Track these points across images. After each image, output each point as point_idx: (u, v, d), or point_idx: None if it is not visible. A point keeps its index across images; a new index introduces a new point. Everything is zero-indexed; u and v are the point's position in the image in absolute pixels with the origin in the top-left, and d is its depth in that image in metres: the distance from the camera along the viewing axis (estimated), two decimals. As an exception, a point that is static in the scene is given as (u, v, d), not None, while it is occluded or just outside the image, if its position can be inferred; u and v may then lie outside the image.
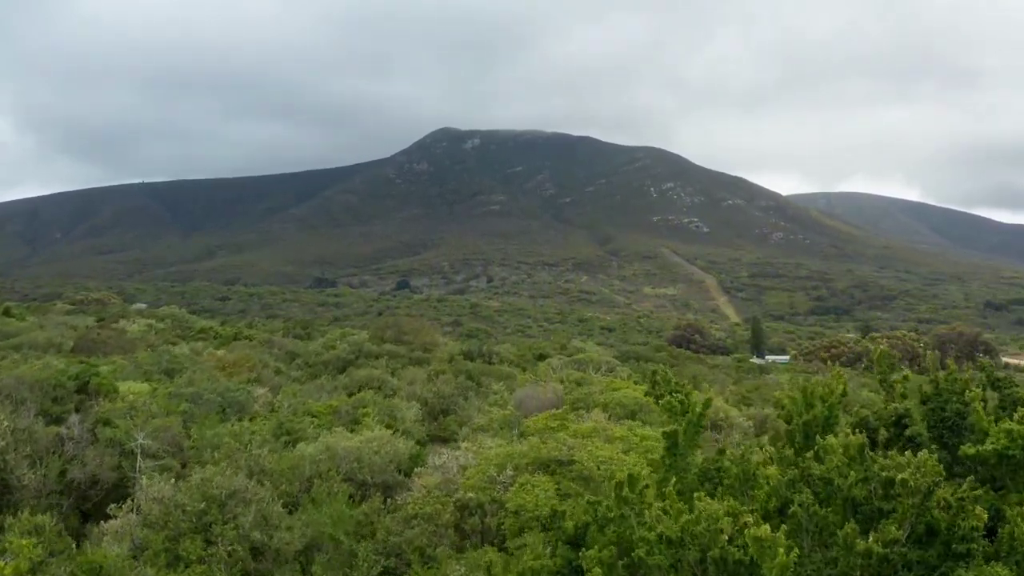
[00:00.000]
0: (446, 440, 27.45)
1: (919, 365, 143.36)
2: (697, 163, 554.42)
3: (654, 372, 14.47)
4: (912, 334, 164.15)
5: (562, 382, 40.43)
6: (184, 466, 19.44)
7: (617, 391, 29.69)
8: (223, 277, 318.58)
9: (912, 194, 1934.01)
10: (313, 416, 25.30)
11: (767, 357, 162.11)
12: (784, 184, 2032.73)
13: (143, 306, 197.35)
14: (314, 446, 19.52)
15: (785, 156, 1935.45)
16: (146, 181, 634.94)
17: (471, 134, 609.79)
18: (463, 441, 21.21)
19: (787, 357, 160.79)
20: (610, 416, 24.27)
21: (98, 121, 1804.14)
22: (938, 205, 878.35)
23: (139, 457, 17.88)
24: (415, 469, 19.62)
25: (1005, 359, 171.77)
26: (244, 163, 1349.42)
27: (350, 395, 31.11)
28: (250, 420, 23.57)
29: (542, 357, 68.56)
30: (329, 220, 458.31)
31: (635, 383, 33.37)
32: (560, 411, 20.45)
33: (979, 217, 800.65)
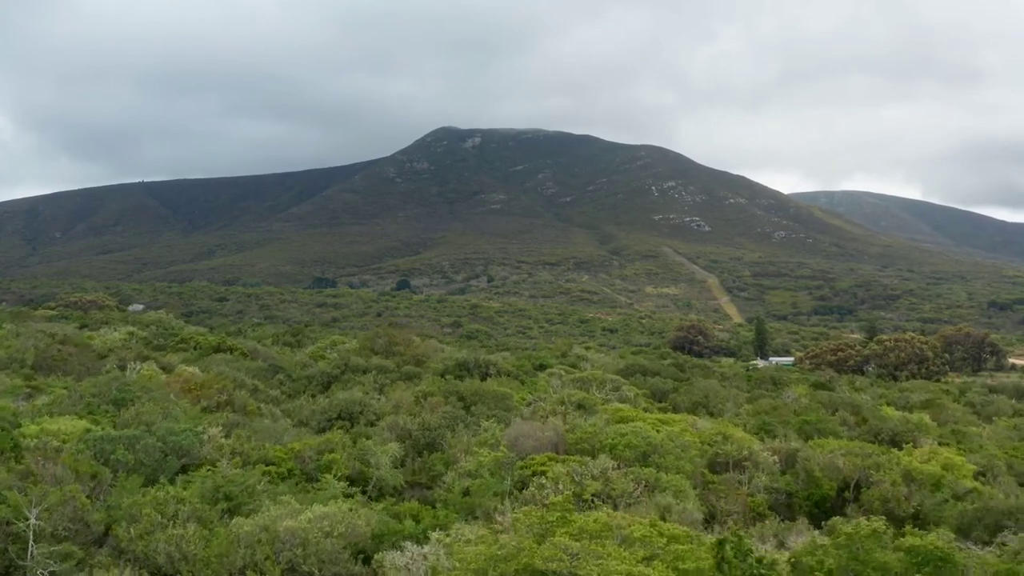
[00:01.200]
0: (428, 487, 23.99)
1: (926, 368, 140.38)
2: (698, 162, 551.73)
3: (721, 542, 10.79)
4: (919, 335, 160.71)
5: (563, 403, 37.11)
6: (102, 538, 15.98)
7: (624, 423, 26.26)
8: (222, 276, 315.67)
9: (913, 192, 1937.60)
10: (269, 464, 21.77)
11: (771, 359, 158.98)
12: (785, 182, 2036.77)
13: (140, 307, 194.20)
14: (252, 523, 15.84)
15: (786, 154, 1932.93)
16: (146, 180, 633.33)
17: (471, 133, 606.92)
18: (435, 529, 17.22)
19: (791, 359, 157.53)
20: (619, 463, 20.81)
21: (98, 120, 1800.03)
22: (940, 203, 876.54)
23: (31, 542, 14.45)
24: (376, 555, 16.00)
25: (1012, 360, 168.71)
26: (244, 162, 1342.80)
27: (323, 429, 27.68)
28: (193, 471, 20.04)
29: (542, 367, 65.50)
30: (329, 219, 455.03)
31: (644, 410, 29.96)
32: (561, 496, 16.70)
33: (981, 215, 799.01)
